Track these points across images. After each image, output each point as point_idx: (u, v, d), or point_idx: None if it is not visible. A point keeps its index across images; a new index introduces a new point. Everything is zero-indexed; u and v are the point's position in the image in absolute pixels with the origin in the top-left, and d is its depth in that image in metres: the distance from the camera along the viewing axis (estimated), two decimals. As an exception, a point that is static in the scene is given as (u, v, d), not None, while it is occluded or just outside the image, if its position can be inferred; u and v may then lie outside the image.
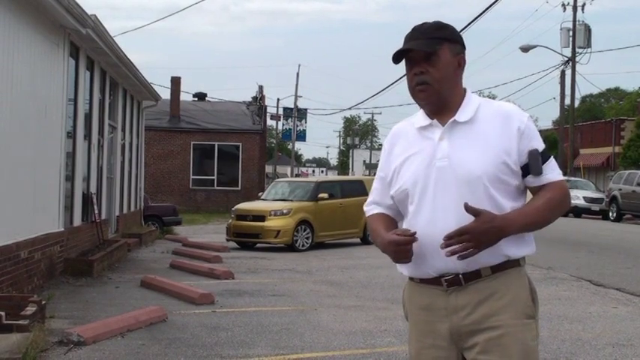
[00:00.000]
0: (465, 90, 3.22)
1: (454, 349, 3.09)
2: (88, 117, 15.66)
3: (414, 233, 3.04)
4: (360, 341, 8.13)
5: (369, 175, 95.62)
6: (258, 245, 20.31)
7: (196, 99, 47.47)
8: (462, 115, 3.13)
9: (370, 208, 3.40)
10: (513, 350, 2.99)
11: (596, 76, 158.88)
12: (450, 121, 3.12)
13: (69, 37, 13.15)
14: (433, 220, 3.06)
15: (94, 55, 15.67)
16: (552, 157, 3.18)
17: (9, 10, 9.96)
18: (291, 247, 19.72)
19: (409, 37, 3.15)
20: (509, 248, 3.06)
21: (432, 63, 3.09)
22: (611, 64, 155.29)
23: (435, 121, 3.16)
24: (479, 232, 2.93)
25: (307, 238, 20.14)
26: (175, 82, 42.68)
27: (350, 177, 36.57)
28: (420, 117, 3.23)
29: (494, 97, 34.42)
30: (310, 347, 7.83)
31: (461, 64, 3.18)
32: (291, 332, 8.53)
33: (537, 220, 3.08)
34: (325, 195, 20.89)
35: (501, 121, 3.11)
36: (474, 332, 3.03)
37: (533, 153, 3.08)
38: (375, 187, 3.40)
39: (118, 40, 16.35)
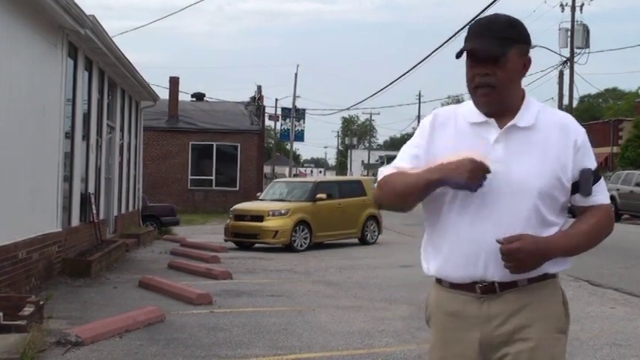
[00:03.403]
0: (524, 92, 3.03)
1: (480, 359, 2.95)
2: (87, 117, 15.65)
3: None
4: (358, 341, 8.14)
5: (368, 175, 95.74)
6: (257, 245, 20.30)
7: (195, 99, 47.45)
8: (522, 119, 2.94)
9: (382, 170, 3.08)
10: None
11: (594, 76, 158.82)
12: (510, 124, 2.93)
13: (67, 37, 13.14)
14: (476, 225, 2.90)
15: (93, 55, 15.67)
16: (602, 177, 3.04)
17: (7, 11, 9.95)
18: (289, 248, 19.72)
19: (477, 33, 2.91)
20: (549, 266, 2.93)
21: (500, 65, 2.87)
22: (610, 65, 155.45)
23: (492, 120, 2.96)
24: (524, 254, 2.81)
25: (305, 239, 20.13)
26: (174, 82, 42.65)
27: (348, 177, 36.51)
28: (473, 111, 3.01)
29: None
30: (308, 347, 7.84)
31: (526, 65, 2.97)
32: (289, 332, 8.54)
33: (580, 245, 2.96)
34: (323, 195, 20.89)
35: (560, 132, 2.95)
36: (505, 343, 2.91)
37: (586, 172, 2.94)
38: (402, 161, 3.06)
39: (116, 40, 16.35)
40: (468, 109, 3.03)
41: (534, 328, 2.91)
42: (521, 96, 3.00)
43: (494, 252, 2.86)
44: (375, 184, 3.12)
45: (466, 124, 3.00)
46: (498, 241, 2.83)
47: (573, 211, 3.07)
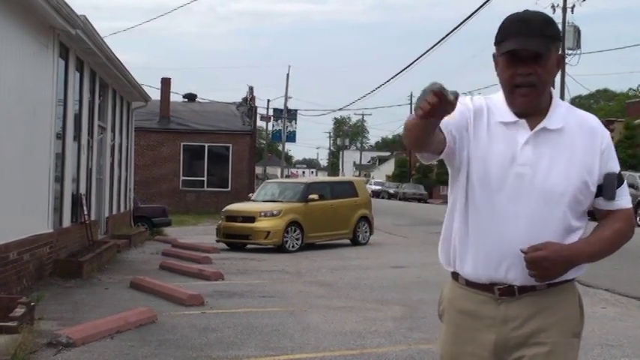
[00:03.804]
0: (551, 92, 2.97)
1: None
2: (78, 118, 15.62)
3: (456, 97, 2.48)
4: (350, 342, 8.14)
5: (360, 176, 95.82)
6: (248, 246, 20.28)
7: (186, 100, 47.35)
8: (552, 121, 2.90)
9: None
10: None
11: (585, 77, 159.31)
12: (540, 127, 2.88)
13: (58, 37, 13.11)
14: (500, 226, 2.86)
15: (84, 55, 15.63)
16: (625, 181, 3.00)
17: (-2, 11, 9.93)
18: (281, 248, 19.70)
19: (519, 31, 2.83)
20: (569, 272, 2.92)
21: (542, 64, 2.82)
22: (601, 66, 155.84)
23: (522, 121, 2.90)
24: (549, 262, 2.79)
25: (297, 239, 20.12)
26: (165, 82, 42.55)
27: (340, 178, 36.54)
28: (503, 109, 2.94)
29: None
30: (300, 348, 7.84)
31: (559, 63, 2.92)
32: (280, 333, 8.54)
33: (603, 251, 2.94)
34: (315, 196, 20.89)
35: (587, 135, 2.91)
36: (520, 345, 2.89)
37: (610, 176, 2.91)
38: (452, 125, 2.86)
39: (107, 40, 16.32)
40: (499, 106, 2.96)
41: (551, 332, 2.90)
42: (550, 96, 2.96)
43: (517, 256, 2.84)
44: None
45: (496, 123, 2.94)
46: (522, 251, 2.81)
47: (593, 214, 3.04)
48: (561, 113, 2.93)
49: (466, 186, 2.94)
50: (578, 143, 2.90)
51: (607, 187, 2.91)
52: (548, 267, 2.80)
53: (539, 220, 2.85)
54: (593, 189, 2.91)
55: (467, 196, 2.94)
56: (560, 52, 2.93)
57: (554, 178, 2.85)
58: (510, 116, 2.92)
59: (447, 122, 2.80)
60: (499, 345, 2.91)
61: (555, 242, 2.83)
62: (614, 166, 2.95)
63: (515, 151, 2.88)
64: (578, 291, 3.05)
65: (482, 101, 3.00)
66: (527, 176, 2.85)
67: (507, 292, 2.90)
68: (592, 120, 2.99)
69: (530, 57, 2.82)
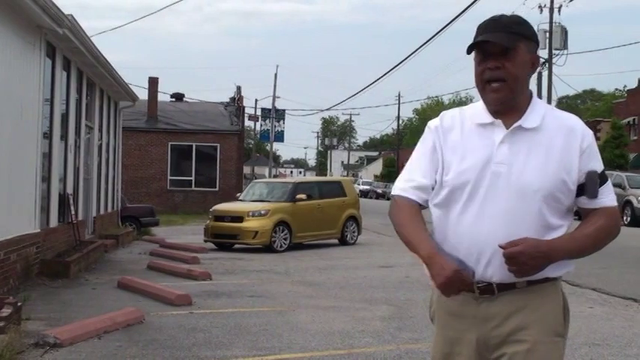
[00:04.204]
0: (531, 93, 3.05)
1: (479, 359, 2.98)
2: (65, 117, 15.57)
3: (473, 283, 2.90)
4: (338, 342, 8.14)
5: (348, 175, 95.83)
6: (236, 246, 20.26)
7: (174, 99, 47.25)
8: (528, 120, 2.96)
9: (404, 187, 3.09)
10: None
11: (572, 77, 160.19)
12: (515, 125, 2.95)
13: (45, 36, 13.05)
14: (478, 226, 2.92)
15: (71, 55, 15.58)
16: (609, 180, 3.02)
17: (-16, 10, 9.88)
18: (269, 248, 19.69)
19: (486, 29, 2.95)
20: (550, 269, 2.93)
21: (509, 58, 2.91)
22: (588, 66, 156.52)
23: (498, 121, 2.98)
24: (526, 256, 2.82)
25: (285, 239, 20.12)
26: (153, 82, 42.45)
27: (328, 178, 36.59)
28: (480, 112, 3.03)
29: (471, 99, 34.53)
30: (288, 348, 7.83)
31: (534, 64, 3.00)
32: (269, 333, 8.53)
33: (584, 248, 2.95)
34: (303, 196, 20.90)
35: (566, 134, 2.95)
36: (501, 344, 2.93)
37: (592, 174, 2.94)
38: (417, 160, 3.10)
39: (94, 40, 16.26)
40: (475, 111, 3.06)
41: (530, 330, 2.92)
42: (529, 96, 3.02)
43: (494, 252, 2.88)
44: (391, 199, 3.18)
45: (473, 125, 3.03)
46: (501, 246, 2.84)
47: (580, 214, 3.07)
48: (539, 113, 2.99)
49: (445, 188, 3.01)
50: (557, 142, 2.94)
51: (589, 185, 2.95)
52: (525, 261, 2.83)
53: (516, 217, 2.90)
54: (573, 187, 2.95)
55: (446, 197, 3.00)
56: (536, 54, 3.01)
57: (529, 175, 2.90)
58: (487, 117, 3.00)
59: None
60: (480, 343, 2.95)
61: (534, 238, 2.86)
62: (596, 165, 2.98)
63: (492, 150, 2.95)
64: (562, 291, 3.06)
65: (456, 113, 3.11)
66: (503, 174, 2.91)
67: (487, 290, 2.94)
68: (572, 120, 3.04)
69: (498, 52, 2.91)
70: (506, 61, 2.90)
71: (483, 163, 2.94)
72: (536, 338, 2.91)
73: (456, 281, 2.84)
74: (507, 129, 2.96)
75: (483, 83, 2.97)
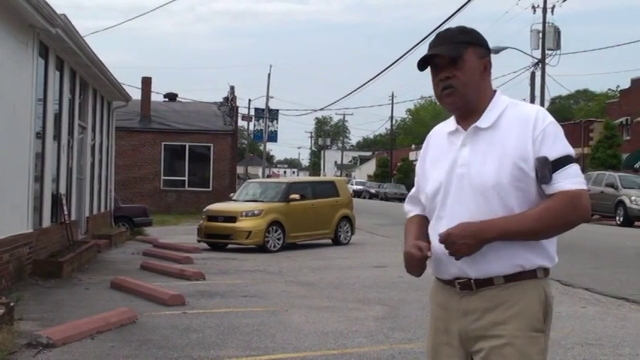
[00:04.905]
0: (494, 93, 3.18)
1: (463, 350, 3.11)
2: (58, 117, 15.53)
3: (428, 256, 3.11)
4: (331, 342, 8.14)
5: (341, 175, 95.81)
6: (230, 246, 20.25)
7: (167, 99, 47.19)
8: (483, 121, 3.10)
9: (409, 209, 3.46)
10: None
11: (565, 77, 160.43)
12: (472, 127, 3.11)
13: (38, 36, 13.03)
14: (445, 225, 3.07)
15: (64, 54, 15.55)
16: (573, 164, 3.02)
17: (-23, 9, 9.85)
18: (262, 248, 19.69)
19: (434, 44, 3.13)
20: (523, 257, 3.01)
21: (458, 67, 3.07)
22: (581, 66, 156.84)
23: (459, 126, 3.16)
24: (454, 237, 2.97)
25: (279, 239, 20.12)
26: (146, 82, 42.39)
27: (321, 178, 36.59)
28: (450, 121, 3.24)
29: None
30: (281, 348, 7.83)
31: (487, 67, 3.15)
32: (262, 333, 8.53)
33: (525, 229, 2.97)
34: (296, 196, 20.90)
35: (520, 124, 3.04)
36: (480, 338, 3.04)
37: (540, 160, 2.98)
38: (417, 181, 3.43)
39: (87, 39, 16.23)
40: (449, 121, 3.25)
41: (507, 325, 3.00)
42: (489, 97, 3.16)
43: None
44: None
45: (445, 135, 3.24)
46: (439, 234, 3.05)
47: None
48: (497, 111, 3.12)
49: (427, 197, 3.25)
50: (512, 134, 3.03)
51: (538, 170, 2.99)
52: (455, 241, 2.97)
53: (481, 213, 3.01)
54: (532, 174, 3.00)
55: (429, 206, 3.25)
56: (487, 58, 3.16)
57: (486, 173, 3.02)
58: (453, 125, 3.20)
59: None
60: (462, 335, 3.10)
61: (468, 221, 3.00)
62: (549, 151, 2.99)
63: (457, 154, 3.12)
64: (544, 287, 3.09)
65: (441, 125, 3.33)
66: (465, 175, 3.07)
67: (466, 286, 3.08)
68: (531, 110, 3.11)
69: (447, 63, 3.08)
70: (456, 70, 3.07)
71: (449, 167, 3.11)
72: (512, 333, 2.98)
73: (409, 260, 3.13)
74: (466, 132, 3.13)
75: (439, 95, 3.15)
